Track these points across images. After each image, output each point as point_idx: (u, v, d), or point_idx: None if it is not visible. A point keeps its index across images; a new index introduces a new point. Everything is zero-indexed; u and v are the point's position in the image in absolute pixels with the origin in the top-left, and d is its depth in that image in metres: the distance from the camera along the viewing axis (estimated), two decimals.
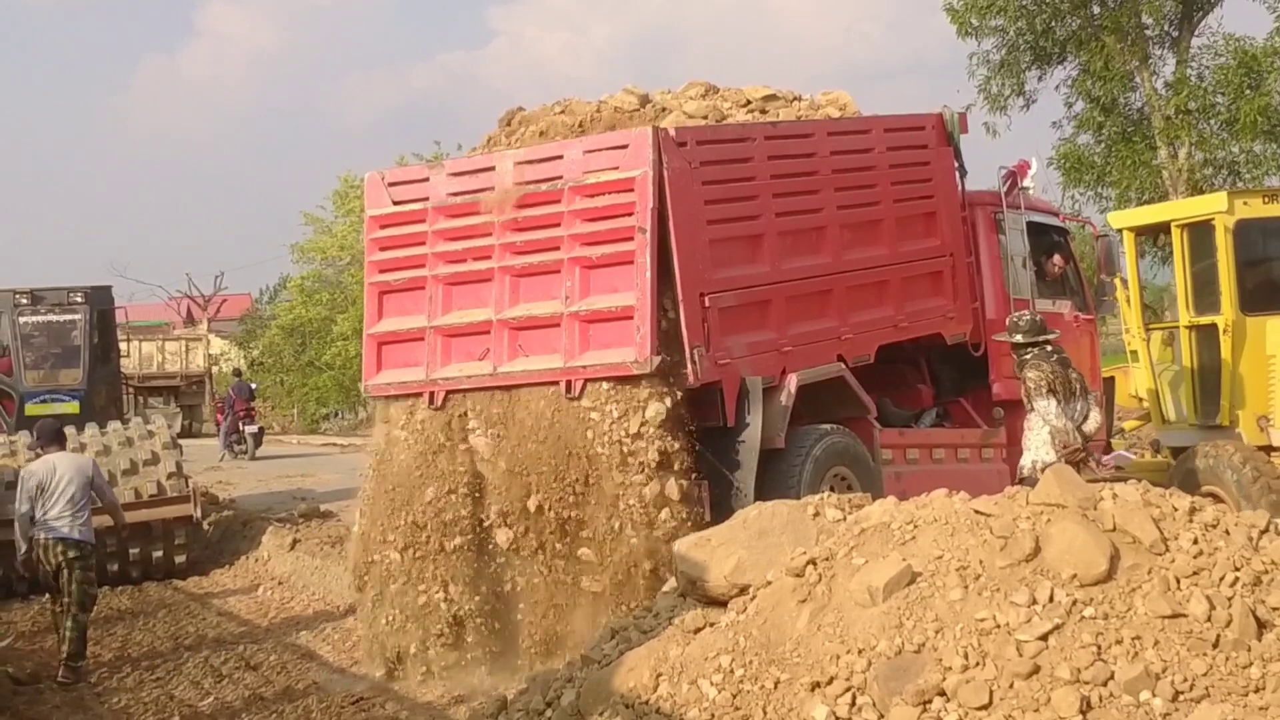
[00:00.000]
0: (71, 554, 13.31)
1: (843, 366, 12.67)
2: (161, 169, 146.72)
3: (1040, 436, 11.61)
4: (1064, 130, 33.15)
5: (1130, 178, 31.19)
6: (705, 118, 12.65)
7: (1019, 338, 11.85)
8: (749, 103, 13.28)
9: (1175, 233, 15.54)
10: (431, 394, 11.70)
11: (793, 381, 11.96)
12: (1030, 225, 15.18)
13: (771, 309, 12.11)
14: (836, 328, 12.77)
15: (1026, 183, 15.25)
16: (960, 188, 14.44)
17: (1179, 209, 17.19)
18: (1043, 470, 9.84)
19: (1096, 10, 31.66)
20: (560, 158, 11.43)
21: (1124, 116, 32.29)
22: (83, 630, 13.42)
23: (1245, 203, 15.46)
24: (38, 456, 14.40)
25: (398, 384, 12.01)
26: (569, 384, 11.00)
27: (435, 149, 42.40)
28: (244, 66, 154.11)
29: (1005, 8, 31.19)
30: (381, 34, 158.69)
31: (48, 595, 14.22)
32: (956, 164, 14.38)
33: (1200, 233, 15.33)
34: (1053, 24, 31.84)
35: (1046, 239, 15.66)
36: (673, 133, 11.17)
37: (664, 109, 12.91)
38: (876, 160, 13.50)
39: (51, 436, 14.14)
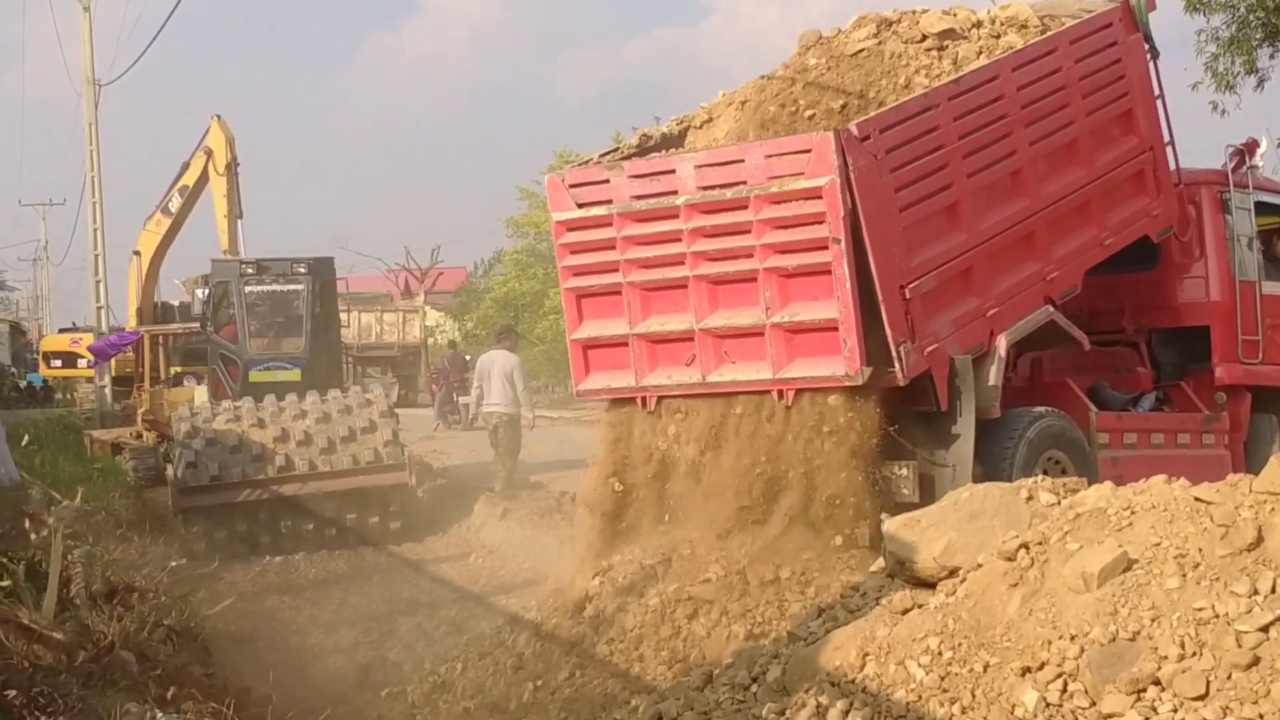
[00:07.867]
0: (504, 419, 19.96)
1: (1050, 309, 12.37)
2: (383, 144, 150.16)
3: None
4: None
5: None
6: (877, 94, 11.97)
7: None
8: (924, 38, 12.48)
9: None
10: (644, 399, 11.79)
11: (1002, 344, 11.72)
12: (1259, 205, 14.70)
13: (973, 275, 11.73)
14: (1041, 269, 12.34)
15: (1255, 161, 14.77)
16: (1154, 72, 13.71)
17: None
18: None
19: None
20: (742, 161, 11.04)
21: None
22: (510, 471, 20.15)
23: None
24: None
25: (609, 389, 12.09)
26: (780, 393, 10.98)
27: (654, 124, 42.52)
28: (464, 43, 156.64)
29: None
30: (598, 10, 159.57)
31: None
32: (1148, 47, 13.65)
33: None
34: None
35: (1276, 219, 15.15)
36: (855, 130, 10.67)
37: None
38: (1066, 79, 12.72)
39: (500, 335, 21.47)
